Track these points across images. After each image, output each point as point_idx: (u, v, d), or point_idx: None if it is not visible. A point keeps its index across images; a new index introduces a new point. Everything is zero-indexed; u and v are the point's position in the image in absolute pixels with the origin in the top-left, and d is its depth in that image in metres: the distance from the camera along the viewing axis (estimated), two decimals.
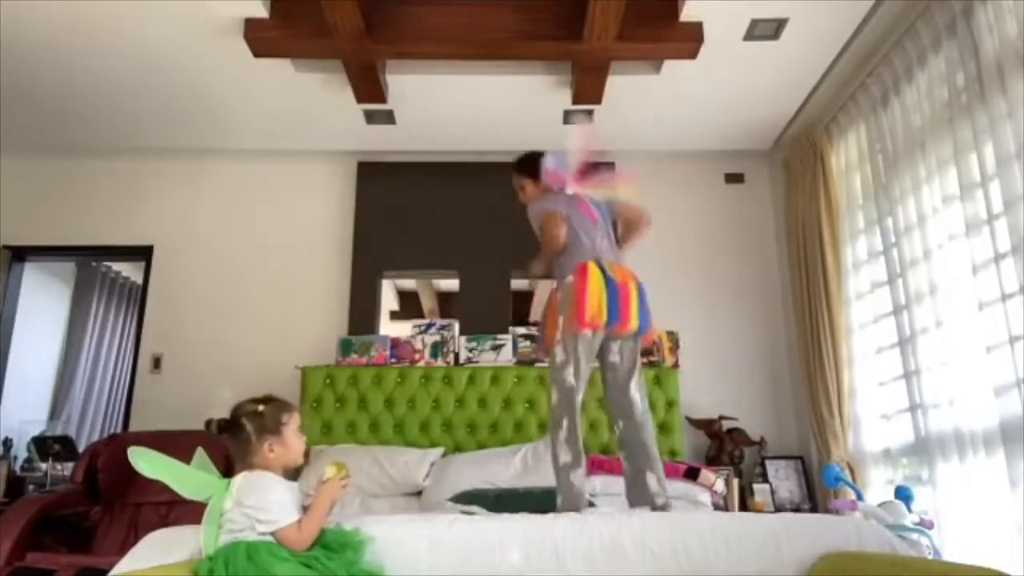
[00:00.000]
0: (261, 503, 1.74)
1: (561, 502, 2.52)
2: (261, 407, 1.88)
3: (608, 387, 2.80)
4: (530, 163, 3.02)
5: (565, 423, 2.58)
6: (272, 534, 1.72)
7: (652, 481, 2.66)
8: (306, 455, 2.02)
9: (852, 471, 3.71)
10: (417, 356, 4.26)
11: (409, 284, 6.04)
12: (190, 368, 4.42)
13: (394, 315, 5.89)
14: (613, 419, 2.80)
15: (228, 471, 1.86)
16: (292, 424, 1.90)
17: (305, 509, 1.83)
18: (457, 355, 4.30)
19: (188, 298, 4.57)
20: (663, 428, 4.12)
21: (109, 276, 6.44)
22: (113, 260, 6.24)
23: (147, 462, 1.78)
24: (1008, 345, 2.63)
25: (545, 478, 3.46)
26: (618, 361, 2.77)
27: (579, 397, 2.62)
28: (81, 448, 4.73)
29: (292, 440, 1.88)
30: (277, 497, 1.76)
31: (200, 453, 1.85)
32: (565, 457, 2.55)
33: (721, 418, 4.20)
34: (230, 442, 1.87)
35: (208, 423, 1.88)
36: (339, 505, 2.81)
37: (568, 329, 2.63)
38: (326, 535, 1.84)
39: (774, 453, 4.23)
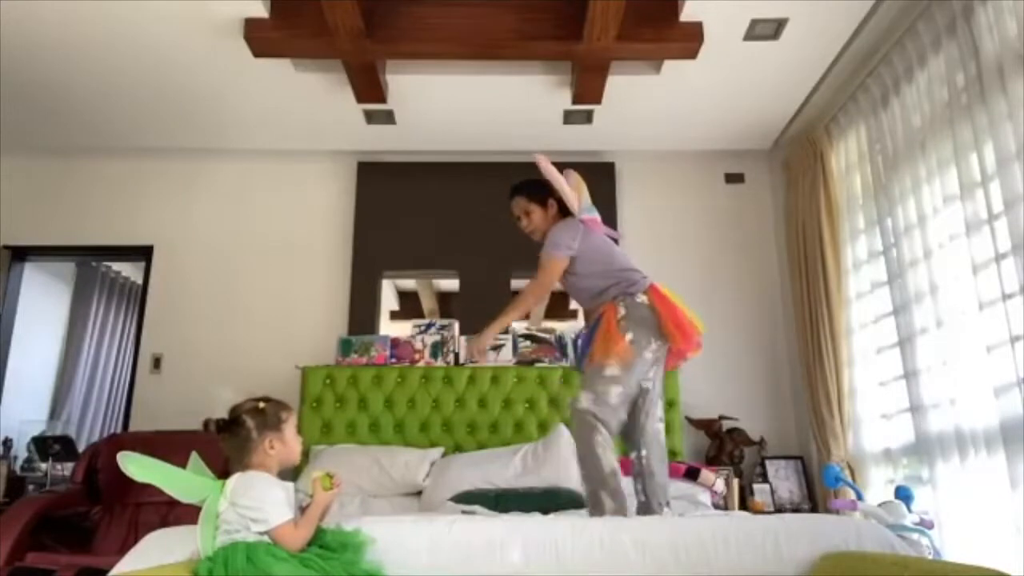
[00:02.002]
0: (255, 503, 1.74)
1: (611, 508, 2.43)
2: (262, 404, 1.90)
3: (637, 412, 2.67)
4: (539, 188, 2.86)
5: (604, 429, 2.47)
6: (267, 533, 1.73)
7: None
8: (305, 455, 2.02)
9: (852, 471, 3.71)
10: (417, 356, 4.26)
11: (409, 284, 6.03)
12: (190, 368, 4.42)
13: (394, 315, 5.89)
14: (633, 446, 2.69)
15: (225, 473, 1.86)
16: (291, 422, 1.92)
17: (302, 510, 1.84)
18: (457, 355, 4.30)
19: (188, 298, 4.57)
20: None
21: (109, 276, 6.44)
22: (113, 260, 6.23)
23: (137, 466, 1.79)
24: (1008, 345, 2.63)
25: (544, 478, 3.47)
26: (650, 387, 2.68)
27: (620, 417, 2.53)
28: (81, 448, 4.73)
29: (291, 438, 1.90)
30: (271, 497, 1.77)
31: (195, 457, 1.86)
32: (610, 465, 2.45)
33: (721, 418, 4.20)
34: (228, 442, 1.88)
35: (206, 423, 1.89)
36: (339, 505, 2.84)
37: (632, 350, 2.53)
38: (326, 535, 1.84)
39: (774, 453, 4.23)
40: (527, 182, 2.91)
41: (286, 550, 1.73)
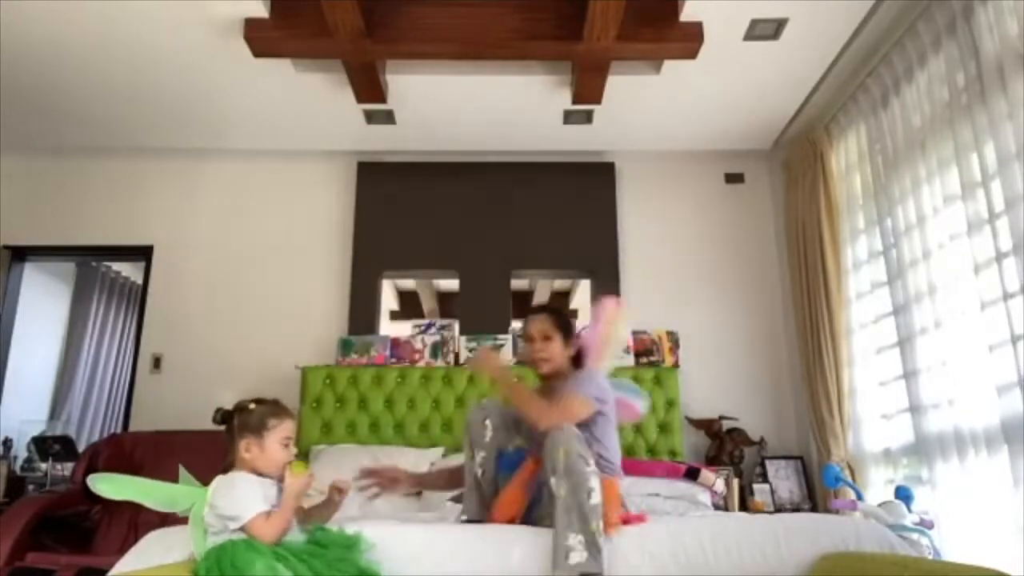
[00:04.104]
0: (227, 501, 1.75)
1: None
2: (253, 405, 1.88)
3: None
4: (569, 323, 2.54)
5: None
6: (242, 529, 1.73)
7: None
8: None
9: (852, 471, 3.71)
10: (417, 356, 4.26)
11: (409, 284, 6.04)
12: (190, 368, 4.42)
13: (394, 315, 5.89)
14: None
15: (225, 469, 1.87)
16: (279, 431, 1.86)
17: None
18: (457, 355, 4.30)
19: (188, 298, 4.57)
20: (663, 428, 4.12)
21: (109, 276, 6.44)
22: (113, 260, 6.23)
23: (109, 485, 1.79)
24: (1009, 344, 2.62)
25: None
26: None
27: None
28: (81, 448, 4.73)
29: (272, 447, 1.84)
30: (245, 494, 1.77)
31: (183, 472, 1.85)
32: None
33: (721, 418, 4.20)
34: (225, 435, 1.89)
35: (216, 412, 1.90)
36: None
37: None
38: (318, 534, 1.85)
39: (774, 453, 4.23)
40: (557, 309, 2.63)
41: (263, 543, 1.72)
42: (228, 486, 1.78)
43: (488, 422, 2.38)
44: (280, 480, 1.85)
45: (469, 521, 2.33)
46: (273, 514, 1.76)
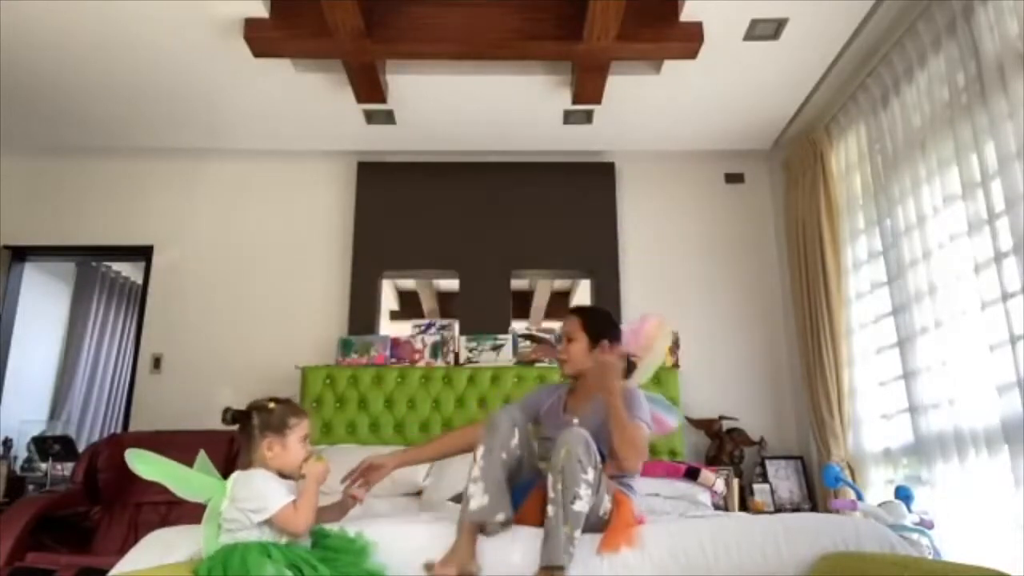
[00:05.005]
0: (252, 494, 1.76)
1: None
2: (272, 404, 1.90)
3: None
4: (599, 324, 2.46)
5: None
6: (269, 521, 1.74)
7: None
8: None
9: (852, 471, 3.71)
10: (417, 356, 4.26)
11: (409, 284, 6.04)
12: (190, 368, 4.42)
13: (394, 315, 5.90)
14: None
15: (229, 469, 1.87)
16: (298, 430, 1.90)
17: None
18: (457, 355, 4.30)
19: (188, 298, 4.57)
20: None
21: (109, 276, 6.44)
22: (113, 260, 6.23)
23: (144, 464, 1.80)
24: (1009, 344, 2.62)
25: None
26: None
27: None
28: (81, 448, 4.73)
29: (293, 445, 1.88)
30: (269, 487, 1.78)
31: (202, 456, 1.86)
32: None
33: (721, 418, 4.20)
34: (240, 435, 1.89)
35: (225, 411, 1.90)
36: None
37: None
38: (330, 538, 1.85)
39: (774, 453, 4.23)
40: (591, 309, 2.58)
41: (292, 532, 1.75)
42: (248, 480, 1.80)
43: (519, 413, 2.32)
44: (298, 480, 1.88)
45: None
46: (299, 504, 1.78)
